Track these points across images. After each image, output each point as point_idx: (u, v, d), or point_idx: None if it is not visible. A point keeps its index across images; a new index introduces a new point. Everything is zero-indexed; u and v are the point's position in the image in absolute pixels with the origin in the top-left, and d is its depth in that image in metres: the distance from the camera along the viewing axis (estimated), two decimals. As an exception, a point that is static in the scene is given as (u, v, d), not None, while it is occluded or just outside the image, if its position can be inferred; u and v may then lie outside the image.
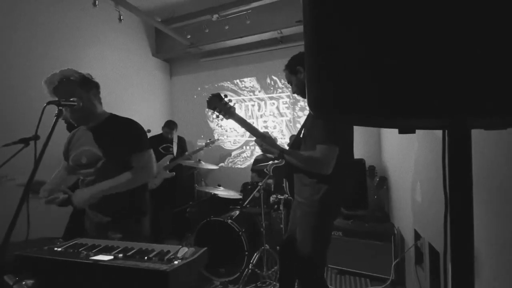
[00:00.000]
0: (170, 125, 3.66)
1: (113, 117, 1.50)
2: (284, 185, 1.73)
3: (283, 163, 1.63)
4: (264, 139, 1.57)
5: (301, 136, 1.63)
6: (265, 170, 1.71)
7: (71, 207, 2.01)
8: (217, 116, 1.63)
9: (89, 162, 1.42)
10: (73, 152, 1.49)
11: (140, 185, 1.45)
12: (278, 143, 1.64)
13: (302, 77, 1.55)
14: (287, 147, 1.76)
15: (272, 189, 3.03)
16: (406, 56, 0.34)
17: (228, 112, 1.60)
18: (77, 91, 1.35)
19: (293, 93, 1.65)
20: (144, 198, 1.53)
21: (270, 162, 1.92)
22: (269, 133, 1.62)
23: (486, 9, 0.31)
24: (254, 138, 1.65)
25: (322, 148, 1.38)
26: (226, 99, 1.62)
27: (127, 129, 1.44)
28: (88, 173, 1.43)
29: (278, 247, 2.56)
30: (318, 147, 1.39)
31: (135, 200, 1.48)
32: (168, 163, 3.35)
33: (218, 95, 1.61)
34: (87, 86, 1.40)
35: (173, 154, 3.55)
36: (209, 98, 1.62)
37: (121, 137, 1.40)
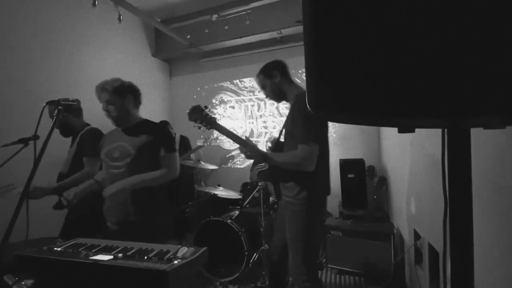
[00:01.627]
0: None
1: (147, 121, 1.70)
2: (269, 187, 1.79)
3: (267, 166, 1.68)
4: (246, 146, 1.61)
5: (281, 139, 1.70)
6: (251, 176, 1.76)
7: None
8: (199, 127, 1.68)
9: (120, 156, 1.57)
10: (106, 147, 1.65)
11: (163, 184, 1.62)
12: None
13: (277, 81, 1.63)
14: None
15: (269, 190, 3.02)
16: (406, 55, 0.34)
17: (209, 122, 1.64)
18: (112, 97, 1.59)
19: (266, 97, 1.73)
20: (162, 195, 1.68)
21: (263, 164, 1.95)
22: (250, 139, 1.67)
23: (485, 9, 0.31)
24: (252, 139, 1.67)
25: (304, 147, 1.45)
26: (206, 110, 1.66)
27: (163, 130, 1.63)
28: (118, 166, 1.57)
29: (262, 248, 2.51)
30: (300, 147, 1.46)
31: (158, 195, 1.63)
32: None
33: (199, 106, 1.65)
34: (121, 94, 1.61)
35: None
36: (190, 110, 1.65)
37: (155, 137, 1.58)
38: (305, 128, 1.45)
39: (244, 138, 1.64)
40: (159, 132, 1.61)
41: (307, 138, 1.45)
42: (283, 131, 1.68)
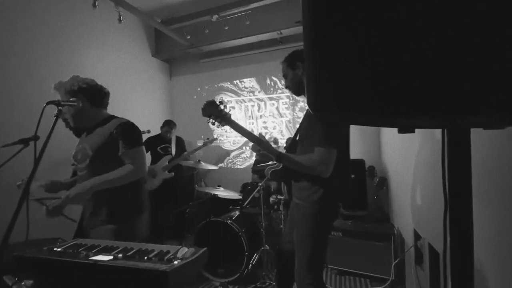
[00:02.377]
0: (170, 124, 3.62)
1: (109, 117, 1.55)
2: (282, 187, 1.73)
3: (281, 166, 1.61)
4: (260, 144, 1.53)
5: (297, 138, 1.62)
6: (265, 173, 1.70)
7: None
8: (213, 123, 1.60)
9: (82, 158, 1.50)
10: (74, 150, 1.58)
11: (136, 183, 1.49)
12: (278, 144, 1.62)
13: (300, 73, 1.53)
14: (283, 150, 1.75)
15: (272, 190, 3.03)
16: (406, 55, 0.34)
17: (224, 118, 1.57)
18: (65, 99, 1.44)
19: (286, 87, 1.64)
20: (139, 195, 1.55)
21: (270, 162, 1.91)
22: (265, 136, 1.59)
23: (485, 9, 0.31)
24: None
25: (320, 151, 1.37)
26: (221, 106, 1.59)
27: (120, 126, 1.48)
28: (82, 168, 1.51)
29: (277, 247, 2.56)
30: (316, 150, 1.38)
31: (131, 196, 1.51)
32: (167, 163, 3.35)
33: (213, 102, 1.58)
34: (73, 96, 1.46)
35: (171, 154, 3.54)
36: (204, 106, 1.57)
37: (112, 134, 1.45)
38: (324, 130, 1.37)
39: (258, 135, 1.57)
40: (116, 128, 1.46)
41: (325, 141, 1.36)
42: (300, 130, 1.62)
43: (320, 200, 1.43)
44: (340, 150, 1.41)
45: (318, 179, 1.42)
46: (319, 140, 1.38)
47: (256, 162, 3.67)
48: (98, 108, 1.56)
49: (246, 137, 1.58)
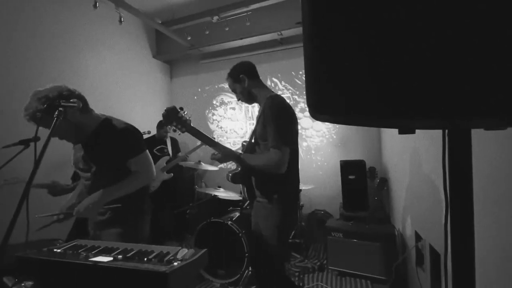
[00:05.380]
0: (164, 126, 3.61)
1: (104, 124, 1.45)
2: (241, 189, 1.81)
3: (240, 169, 1.70)
4: (217, 147, 1.61)
5: (252, 141, 1.70)
6: (226, 177, 1.76)
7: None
8: (174, 130, 1.62)
9: (85, 168, 1.48)
10: (73, 157, 1.55)
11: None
12: None
13: (245, 85, 1.67)
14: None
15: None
16: (405, 56, 0.34)
17: (184, 124, 1.60)
18: (44, 118, 1.24)
19: (238, 100, 1.76)
20: (143, 197, 1.56)
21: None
22: (221, 142, 1.66)
23: (485, 10, 0.31)
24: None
25: (276, 152, 1.48)
26: (182, 112, 1.61)
27: (118, 136, 1.42)
28: (87, 177, 1.49)
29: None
30: (272, 151, 1.49)
31: (134, 198, 1.49)
32: (165, 164, 3.34)
33: (174, 108, 1.59)
34: (49, 111, 1.22)
35: (169, 155, 3.53)
36: (166, 112, 1.57)
37: (112, 145, 1.41)
38: (277, 131, 1.48)
39: (215, 140, 1.64)
40: (116, 138, 1.41)
41: (279, 142, 1.48)
42: (254, 134, 1.68)
43: (281, 196, 1.56)
44: (291, 148, 1.53)
45: (276, 177, 1.52)
46: (273, 142, 1.49)
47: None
48: (88, 114, 1.45)
49: (205, 143, 1.64)
